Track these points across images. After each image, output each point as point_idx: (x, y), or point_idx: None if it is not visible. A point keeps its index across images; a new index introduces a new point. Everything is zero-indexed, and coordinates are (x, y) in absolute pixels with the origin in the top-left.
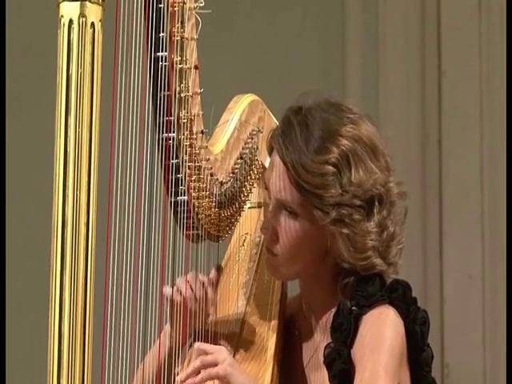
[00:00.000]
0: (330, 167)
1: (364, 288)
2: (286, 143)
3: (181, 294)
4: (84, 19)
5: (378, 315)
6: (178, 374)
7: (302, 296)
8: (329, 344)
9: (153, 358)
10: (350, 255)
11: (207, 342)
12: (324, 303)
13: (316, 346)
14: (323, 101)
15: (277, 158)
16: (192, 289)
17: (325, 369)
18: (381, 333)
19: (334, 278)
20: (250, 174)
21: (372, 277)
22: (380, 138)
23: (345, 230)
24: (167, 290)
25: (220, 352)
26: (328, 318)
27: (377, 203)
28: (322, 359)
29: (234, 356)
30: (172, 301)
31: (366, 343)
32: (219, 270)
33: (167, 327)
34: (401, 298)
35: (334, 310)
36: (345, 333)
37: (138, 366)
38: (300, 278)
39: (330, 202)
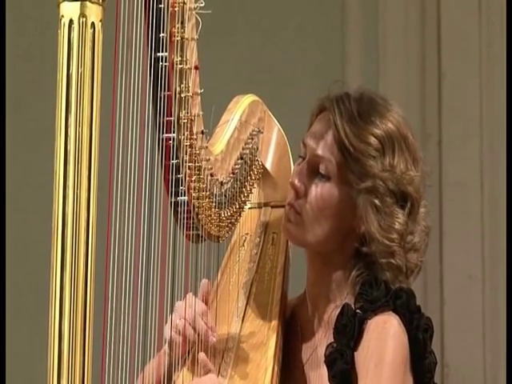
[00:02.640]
0: (376, 141)
1: (369, 292)
2: (339, 105)
3: (180, 333)
4: (84, 19)
5: (382, 324)
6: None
7: (308, 287)
8: (331, 344)
9: (152, 376)
10: (378, 231)
11: (208, 344)
12: (327, 299)
13: (316, 344)
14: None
15: (326, 117)
16: (189, 322)
17: (324, 366)
18: (384, 345)
19: (347, 265)
20: (250, 175)
21: (378, 282)
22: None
23: (377, 201)
24: (166, 331)
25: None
26: (330, 315)
27: (409, 205)
28: (321, 357)
29: (234, 356)
30: (171, 341)
31: (369, 356)
32: (208, 283)
33: (165, 348)
34: (405, 305)
35: (337, 307)
36: (349, 335)
37: (137, 366)
38: (313, 253)
39: (368, 171)
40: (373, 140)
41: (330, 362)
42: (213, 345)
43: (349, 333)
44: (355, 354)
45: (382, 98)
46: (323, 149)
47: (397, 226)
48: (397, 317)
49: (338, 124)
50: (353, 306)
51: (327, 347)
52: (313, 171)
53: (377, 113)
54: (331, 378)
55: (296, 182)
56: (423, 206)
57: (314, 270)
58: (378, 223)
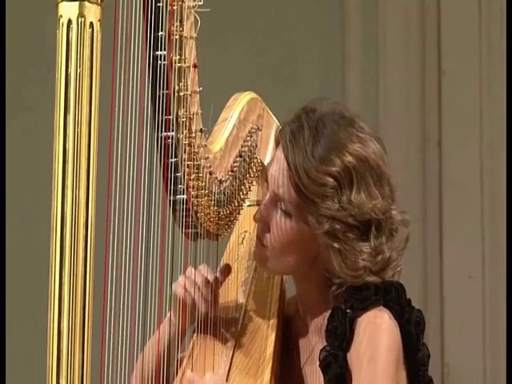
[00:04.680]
0: (331, 180)
1: (358, 292)
2: (292, 143)
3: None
4: (83, 19)
5: (373, 319)
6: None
7: (298, 296)
8: (324, 347)
9: (152, 347)
10: (341, 270)
11: (207, 342)
12: (318, 305)
13: (312, 348)
14: (338, 111)
15: (281, 154)
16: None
17: (320, 371)
18: (376, 340)
19: (326, 282)
20: (248, 172)
21: (367, 283)
22: (387, 162)
23: (336, 245)
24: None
25: None
26: (323, 321)
27: (374, 228)
28: (317, 362)
29: (233, 354)
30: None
31: (362, 352)
32: (225, 269)
33: (168, 315)
34: (395, 299)
35: (328, 313)
36: (340, 336)
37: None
38: (293, 275)
39: (326, 213)
40: (327, 179)
41: (324, 366)
42: (212, 343)
43: (340, 334)
44: (348, 354)
45: (343, 118)
46: (282, 189)
47: (361, 263)
48: (387, 311)
49: (291, 165)
50: (343, 307)
51: (321, 351)
52: (275, 205)
53: (334, 146)
54: (327, 382)
55: (259, 216)
56: (395, 209)
57: (298, 284)
58: (341, 263)
